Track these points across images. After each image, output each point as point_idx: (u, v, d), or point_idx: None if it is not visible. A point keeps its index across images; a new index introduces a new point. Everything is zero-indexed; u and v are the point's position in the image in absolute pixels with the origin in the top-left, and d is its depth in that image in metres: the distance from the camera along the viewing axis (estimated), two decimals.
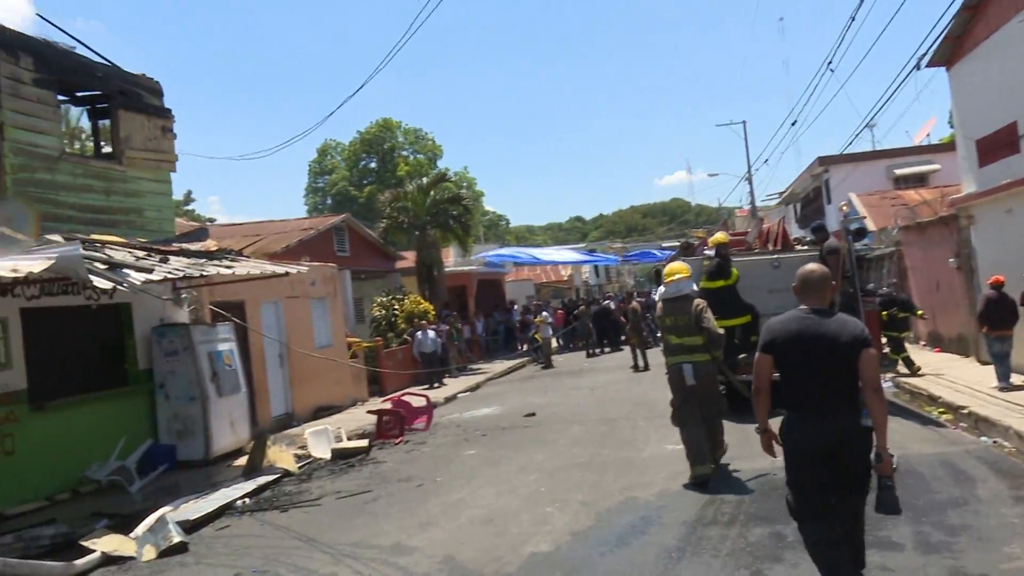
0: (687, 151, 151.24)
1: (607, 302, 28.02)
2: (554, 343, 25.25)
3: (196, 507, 8.13)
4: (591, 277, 50.15)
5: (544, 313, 24.35)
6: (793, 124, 54.61)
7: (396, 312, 22.51)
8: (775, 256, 11.72)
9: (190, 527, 7.52)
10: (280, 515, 7.84)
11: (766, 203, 38.09)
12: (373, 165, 56.95)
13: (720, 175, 76.55)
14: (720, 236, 11.57)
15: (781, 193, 34.78)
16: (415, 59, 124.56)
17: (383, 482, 8.96)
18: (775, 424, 4.08)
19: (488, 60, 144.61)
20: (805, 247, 12.45)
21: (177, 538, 6.93)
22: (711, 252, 11.18)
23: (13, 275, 6.51)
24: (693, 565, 5.17)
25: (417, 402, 13.48)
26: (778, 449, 4.08)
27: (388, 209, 26.80)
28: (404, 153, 56.95)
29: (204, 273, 9.55)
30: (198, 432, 11.07)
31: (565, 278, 45.62)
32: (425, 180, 29.66)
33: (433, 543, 6.28)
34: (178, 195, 47.03)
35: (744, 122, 39.38)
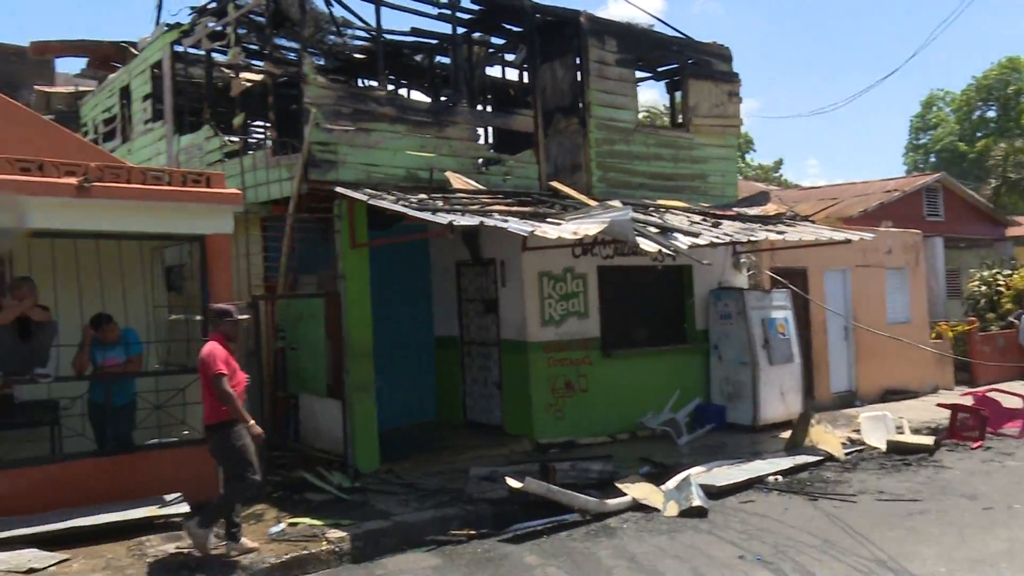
0: None
1: None
2: None
3: (727, 474, 8.13)
4: None
5: None
6: None
7: (1000, 289, 18.90)
8: None
9: (716, 492, 7.55)
10: (807, 503, 7.29)
11: None
12: (991, 114, 48.59)
13: None
14: None
15: None
16: None
17: (939, 493, 7.57)
18: None
19: None
20: None
21: (697, 502, 7.02)
22: None
23: (573, 237, 7.34)
24: None
25: (1010, 402, 11.07)
26: None
27: (1001, 165, 22.57)
28: None
29: (753, 238, 9.37)
30: (746, 397, 11.10)
31: None
32: None
33: None
34: (768, 161, 47.80)
35: None
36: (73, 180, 6.45)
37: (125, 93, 11.63)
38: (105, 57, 12.40)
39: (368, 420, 8.61)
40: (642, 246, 7.59)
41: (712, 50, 11.80)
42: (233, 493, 6.03)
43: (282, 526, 6.64)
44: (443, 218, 7.01)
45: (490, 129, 11.73)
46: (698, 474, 7.85)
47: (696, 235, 8.58)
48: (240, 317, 6.42)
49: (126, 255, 7.65)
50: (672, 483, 7.55)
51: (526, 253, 9.76)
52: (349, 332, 8.51)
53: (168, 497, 6.89)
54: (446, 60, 11.24)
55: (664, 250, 7.92)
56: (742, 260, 12.16)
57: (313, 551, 6.10)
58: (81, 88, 13.94)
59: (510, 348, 10.29)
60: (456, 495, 7.61)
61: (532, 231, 7.05)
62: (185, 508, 6.78)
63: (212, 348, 5.99)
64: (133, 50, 11.66)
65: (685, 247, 8.20)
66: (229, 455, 5.95)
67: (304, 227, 8.61)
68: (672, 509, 7.06)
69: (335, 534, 6.38)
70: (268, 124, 10.38)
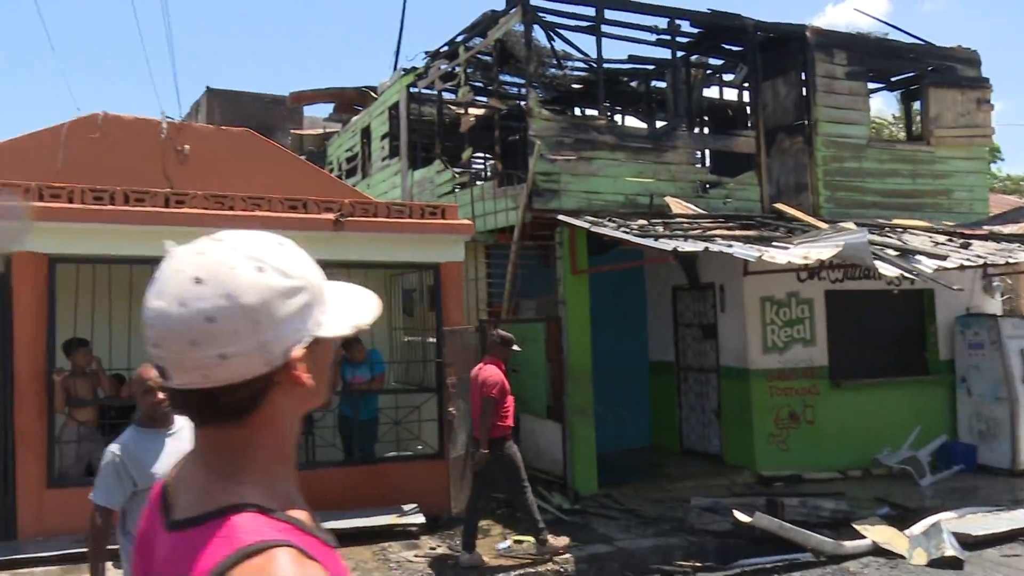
0: None
1: None
2: None
3: (984, 522, 7.29)
4: None
5: None
6: None
7: None
8: None
9: (972, 543, 6.80)
10: None
11: None
12: None
13: None
14: None
15: None
16: None
17: None
18: None
19: None
20: None
21: (951, 551, 6.36)
22: None
23: (803, 261, 7.01)
24: None
25: None
26: None
27: None
28: None
29: (1011, 260, 8.40)
30: (1003, 437, 9.89)
31: None
32: None
33: None
34: (1019, 171, 42.61)
35: None
36: (330, 216, 7.21)
37: (365, 133, 12.83)
38: (349, 102, 13.78)
39: (587, 443, 8.73)
40: (881, 271, 7.08)
41: (956, 55, 10.79)
42: (527, 502, 6.49)
43: (508, 543, 6.90)
44: (666, 244, 7.00)
45: (707, 151, 11.55)
46: (949, 520, 7.12)
47: (943, 257, 7.86)
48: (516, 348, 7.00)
49: (371, 282, 8.38)
50: (918, 528, 6.92)
51: (747, 277, 9.45)
52: (569, 356, 8.71)
53: (406, 507, 7.42)
54: (661, 84, 11.25)
55: (906, 275, 7.34)
56: (995, 283, 10.93)
57: (539, 569, 6.28)
58: (328, 130, 15.57)
59: (730, 375, 9.98)
60: (677, 524, 7.49)
61: (759, 256, 6.83)
62: (421, 519, 7.26)
63: (494, 372, 6.54)
64: (372, 94, 12.85)
65: (930, 271, 7.54)
66: (507, 468, 6.44)
67: (526, 254, 8.96)
68: (920, 557, 6.46)
69: (560, 555, 6.52)
70: (492, 156, 10.94)
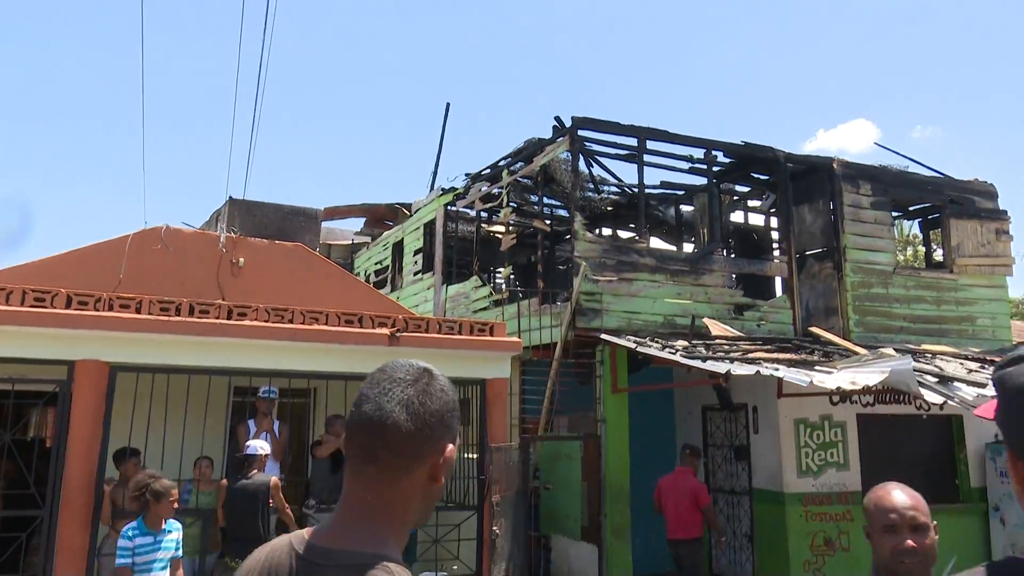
0: None
1: None
2: None
3: None
4: None
5: None
6: None
7: None
8: None
9: None
10: None
11: None
12: None
13: None
14: None
15: None
16: None
17: None
18: None
19: None
20: None
21: None
22: None
23: (851, 387, 7.11)
24: None
25: None
26: None
27: None
28: None
29: None
30: None
31: None
32: None
33: None
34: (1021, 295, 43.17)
35: None
36: (385, 331, 7.35)
37: (398, 247, 13.15)
38: (380, 217, 14.19)
39: (625, 566, 8.54)
40: (926, 398, 7.19)
41: (974, 188, 11.31)
42: None
43: None
44: (718, 367, 7.12)
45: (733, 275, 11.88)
46: None
47: (981, 385, 7.97)
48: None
49: None
50: None
51: (782, 399, 9.51)
52: (608, 474, 8.65)
53: None
54: (687, 207, 11.68)
55: (950, 402, 7.44)
56: None
57: None
58: (356, 241, 15.93)
59: (764, 498, 9.85)
60: None
61: (810, 381, 6.95)
62: None
63: (699, 482, 7.70)
64: (405, 210, 13.27)
65: (971, 398, 7.63)
66: (695, 564, 7.50)
67: (565, 371, 9.05)
68: None
69: None
70: (516, 274, 11.18)
